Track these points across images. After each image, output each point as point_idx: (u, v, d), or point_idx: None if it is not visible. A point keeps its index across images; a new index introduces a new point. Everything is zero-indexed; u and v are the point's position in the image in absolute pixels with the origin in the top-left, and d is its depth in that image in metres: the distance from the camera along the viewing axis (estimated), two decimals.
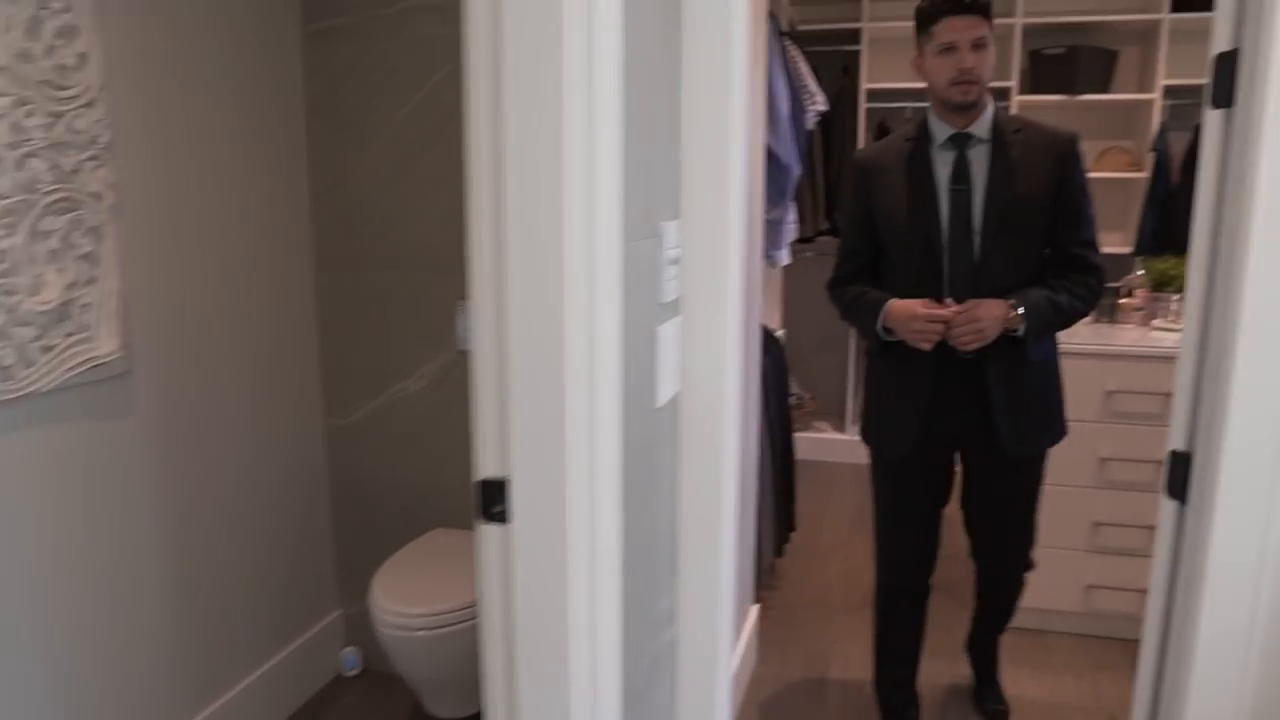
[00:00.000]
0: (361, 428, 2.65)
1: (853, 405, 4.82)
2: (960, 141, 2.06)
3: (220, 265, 2.26)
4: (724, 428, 1.53)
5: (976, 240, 2.03)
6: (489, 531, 1.14)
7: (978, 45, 1.99)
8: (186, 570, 2.19)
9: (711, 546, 1.58)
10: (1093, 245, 2.09)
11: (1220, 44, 1.45)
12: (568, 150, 0.99)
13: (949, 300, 2.00)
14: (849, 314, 2.21)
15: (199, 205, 2.18)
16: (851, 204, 2.20)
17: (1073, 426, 2.49)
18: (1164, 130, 4.19)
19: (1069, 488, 2.84)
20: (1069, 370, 2.29)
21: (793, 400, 4.68)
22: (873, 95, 4.53)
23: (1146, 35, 4.38)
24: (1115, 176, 4.41)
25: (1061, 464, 2.80)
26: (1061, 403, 2.20)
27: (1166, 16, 4.12)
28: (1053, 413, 2.18)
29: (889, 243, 2.12)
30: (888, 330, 2.07)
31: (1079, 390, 2.78)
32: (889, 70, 4.64)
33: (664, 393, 1.40)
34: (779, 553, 3.24)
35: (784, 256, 2.90)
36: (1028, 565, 2.35)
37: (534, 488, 1.09)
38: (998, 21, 4.17)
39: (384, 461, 2.64)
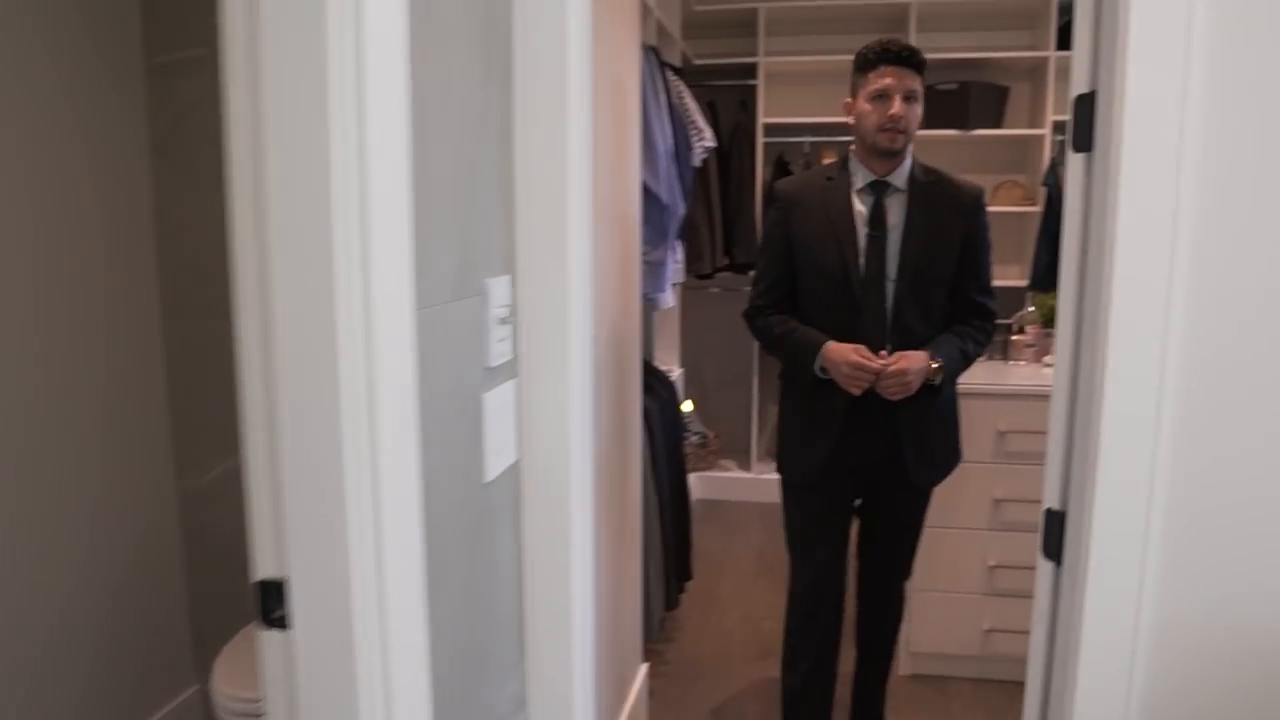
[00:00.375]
0: (217, 488, 2.45)
1: (757, 442, 4.75)
2: (879, 188, 2.14)
3: (56, 313, 2.06)
4: (571, 496, 1.40)
5: (890, 286, 2.12)
6: (269, 639, 0.99)
7: (909, 97, 2.07)
8: (19, 650, 1.97)
9: (562, 623, 1.45)
10: (990, 293, 2.24)
11: (1079, 86, 1.39)
12: (337, 212, 0.85)
13: (884, 351, 2.07)
14: (777, 346, 2.24)
15: (32, 253, 1.99)
16: (772, 233, 2.24)
17: (968, 468, 2.49)
18: (1054, 165, 4.24)
19: (965, 530, 2.78)
20: (963, 410, 2.33)
21: (695, 439, 4.59)
22: (770, 130, 4.50)
23: (1035, 72, 4.44)
24: (1010, 210, 4.44)
25: (957, 506, 2.74)
26: (958, 432, 2.31)
27: (1053, 54, 4.18)
28: (952, 443, 2.30)
29: (807, 274, 2.18)
30: (822, 369, 2.12)
31: (973, 430, 2.72)
32: (786, 104, 4.62)
33: (496, 464, 1.27)
34: (673, 604, 3.11)
35: (667, 299, 2.80)
36: (903, 597, 2.47)
37: (314, 589, 0.95)
38: None
39: (243, 525, 2.44)
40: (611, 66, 2.01)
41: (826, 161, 4.37)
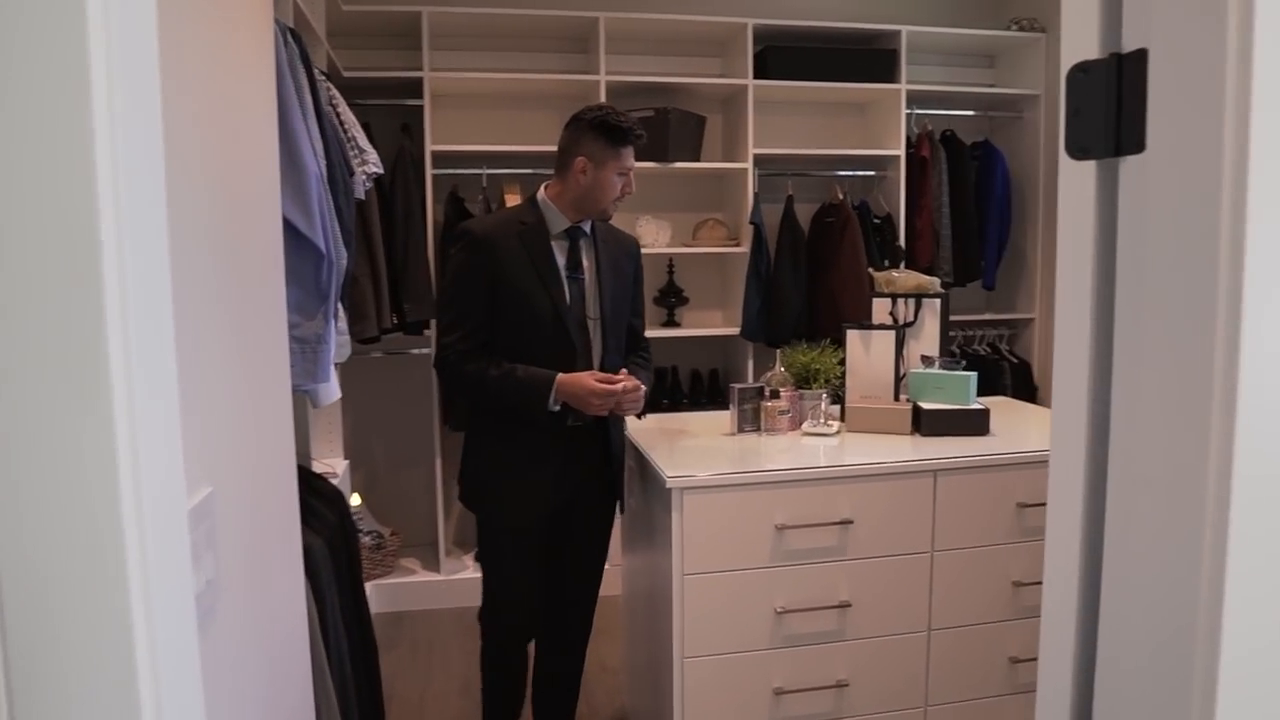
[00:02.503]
0: None
1: (446, 533, 3.92)
2: (574, 234, 2.28)
3: None
4: None
5: (592, 324, 2.28)
6: None
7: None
8: None
9: None
10: (644, 323, 2.53)
11: (1084, 47, 0.81)
12: None
13: (622, 372, 2.21)
14: (496, 389, 2.19)
15: None
16: (469, 276, 2.22)
17: (743, 575, 2.15)
18: (758, 202, 3.89)
19: (743, 655, 2.19)
20: (733, 507, 2.15)
21: (368, 540, 3.67)
22: (441, 159, 3.74)
23: (730, 102, 4.09)
24: (712, 251, 4.04)
25: (732, 622, 2.15)
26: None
27: (751, 83, 3.84)
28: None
29: (513, 317, 2.21)
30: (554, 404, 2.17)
31: (746, 530, 2.15)
32: (458, 129, 3.90)
33: None
34: None
35: (332, 390, 1.92)
36: (591, 619, 2.50)
37: None
38: (580, 77, 3.57)
39: None
40: (207, 30, 1.18)
41: (510, 200, 3.73)
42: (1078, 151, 0.84)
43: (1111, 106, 0.79)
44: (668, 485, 2.09)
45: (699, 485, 2.11)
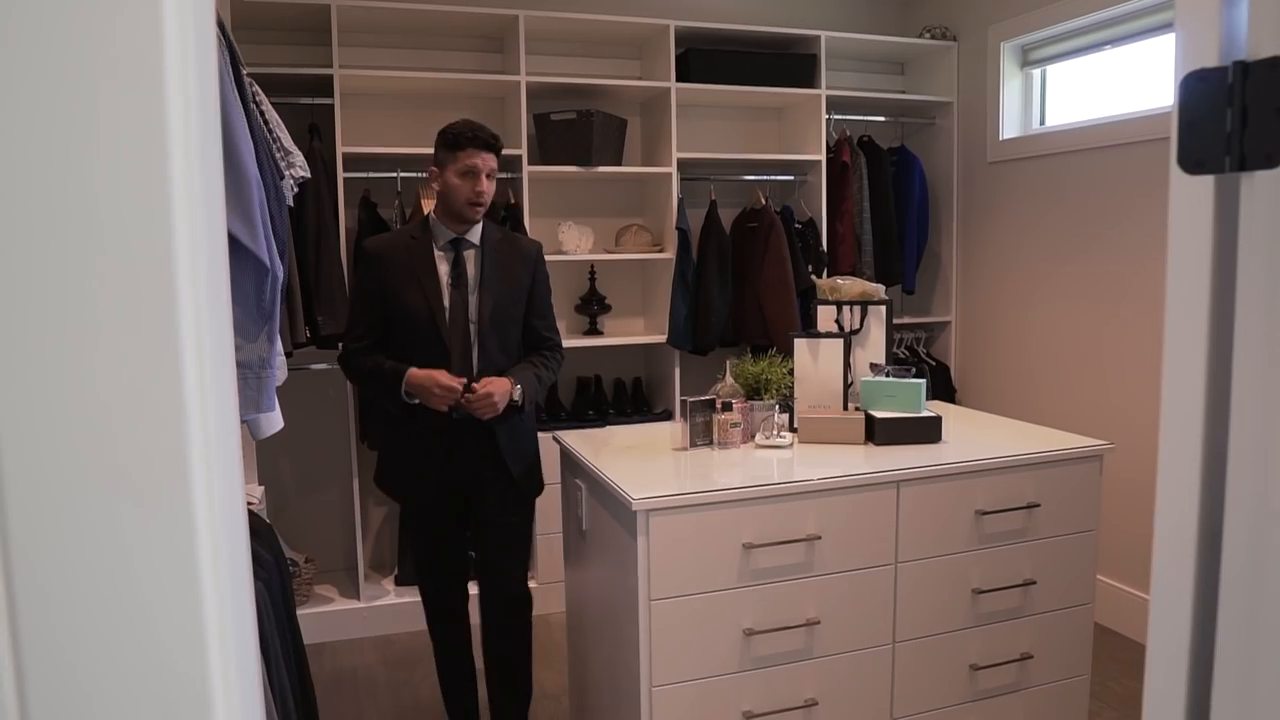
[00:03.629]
0: None
1: (365, 555, 3.71)
2: (458, 245, 2.49)
3: None
4: None
5: (473, 328, 2.48)
6: None
7: (490, 175, 2.44)
8: None
9: None
10: (554, 328, 2.67)
11: (1210, 52, 0.75)
12: None
13: (471, 382, 2.39)
14: (368, 380, 2.50)
15: None
16: (365, 286, 2.50)
17: (711, 598, 2.06)
18: (683, 207, 3.83)
19: (712, 679, 2.10)
20: (701, 527, 2.06)
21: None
22: (352, 162, 3.54)
23: (651, 105, 4.01)
24: (635, 258, 3.95)
25: (701, 646, 2.07)
26: (539, 461, 2.68)
27: (674, 85, 3.77)
28: (536, 462, 2.66)
29: (399, 322, 2.46)
30: (409, 395, 2.41)
31: (713, 550, 2.07)
32: (370, 130, 3.70)
33: None
34: None
35: (274, 420, 1.73)
36: (527, 595, 2.68)
37: None
38: (499, 77, 3.43)
39: None
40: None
41: (426, 204, 3.55)
42: (1192, 165, 0.78)
43: (1236, 118, 0.74)
44: (634, 508, 1.99)
45: (666, 506, 2.02)
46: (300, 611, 3.50)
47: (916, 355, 4.37)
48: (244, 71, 1.94)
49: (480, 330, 2.45)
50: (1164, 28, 3.31)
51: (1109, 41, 3.57)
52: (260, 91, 2.15)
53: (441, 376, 2.35)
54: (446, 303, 2.44)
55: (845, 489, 2.17)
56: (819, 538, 2.15)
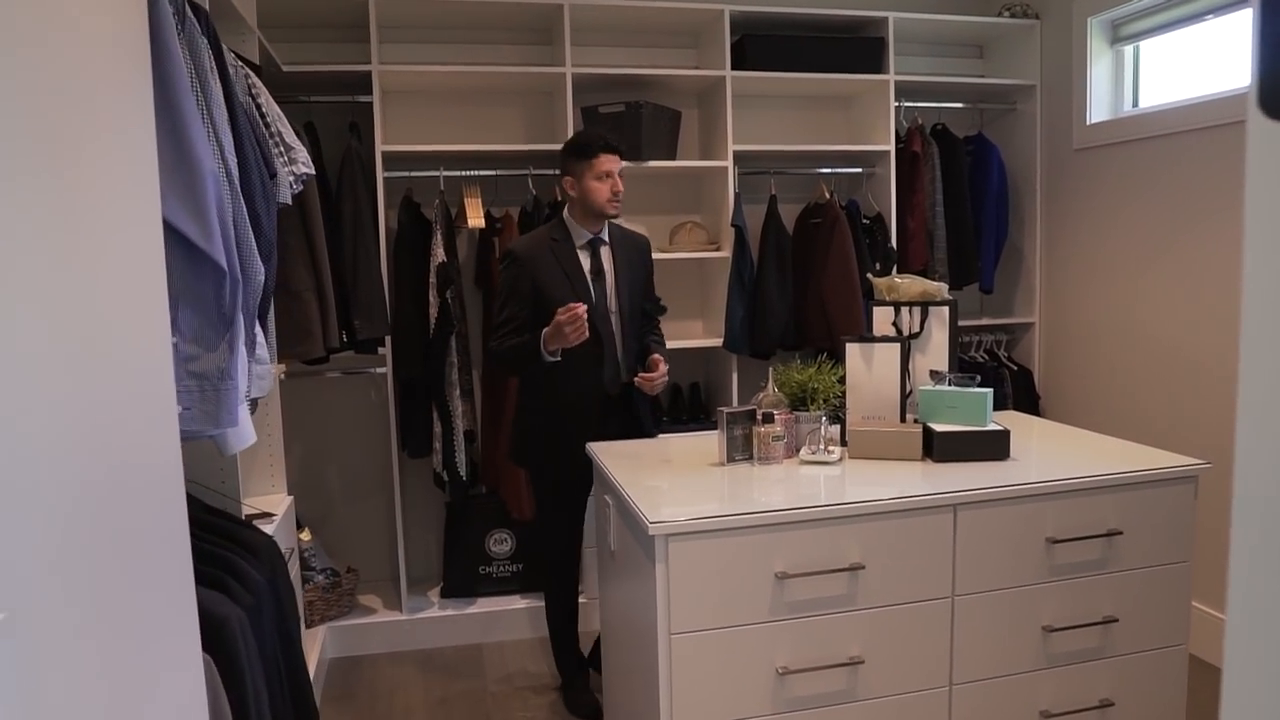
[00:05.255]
0: None
1: (407, 566, 3.60)
2: (594, 243, 2.80)
3: None
4: None
5: (614, 317, 2.80)
6: None
7: (621, 174, 2.75)
8: None
9: None
10: (659, 304, 3.06)
11: None
12: None
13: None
14: (511, 358, 2.72)
15: None
16: (518, 287, 2.71)
17: (739, 633, 1.88)
18: (739, 203, 3.61)
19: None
20: (727, 554, 1.87)
21: (322, 578, 3.35)
22: (392, 160, 3.43)
23: (706, 96, 3.80)
24: (690, 257, 3.75)
25: (728, 686, 1.86)
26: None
27: (729, 74, 3.56)
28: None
29: (550, 315, 2.57)
30: (550, 353, 2.62)
31: (741, 580, 1.86)
32: (412, 128, 3.59)
33: None
34: None
35: (244, 434, 1.58)
36: None
37: None
38: (544, 70, 3.25)
39: None
40: None
41: (471, 204, 3.43)
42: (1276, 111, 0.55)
43: None
44: (650, 532, 1.79)
45: (687, 531, 1.82)
46: (342, 623, 3.42)
47: (997, 359, 4.06)
48: (231, 63, 1.82)
49: (621, 318, 2.79)
50: None
51: (1210, 10, 3.22)
52: (259, 84, 2.03)
53: (561, 315, 2.51)
54: (593, 295, 2.74)
55: (893, 513, 1.93)
56: (862, 567, 1.92)
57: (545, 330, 2.58)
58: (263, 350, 1.71)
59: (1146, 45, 3.60)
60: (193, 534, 1.87)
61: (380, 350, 3.37)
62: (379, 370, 3.48)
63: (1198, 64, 3.37)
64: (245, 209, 1.63)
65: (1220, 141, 3.10)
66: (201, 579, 1.66)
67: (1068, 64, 3.77)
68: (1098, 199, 3.66)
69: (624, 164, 2.78)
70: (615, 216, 2.79)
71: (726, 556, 1.85)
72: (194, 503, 2.06)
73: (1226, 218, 3.09)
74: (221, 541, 1.87)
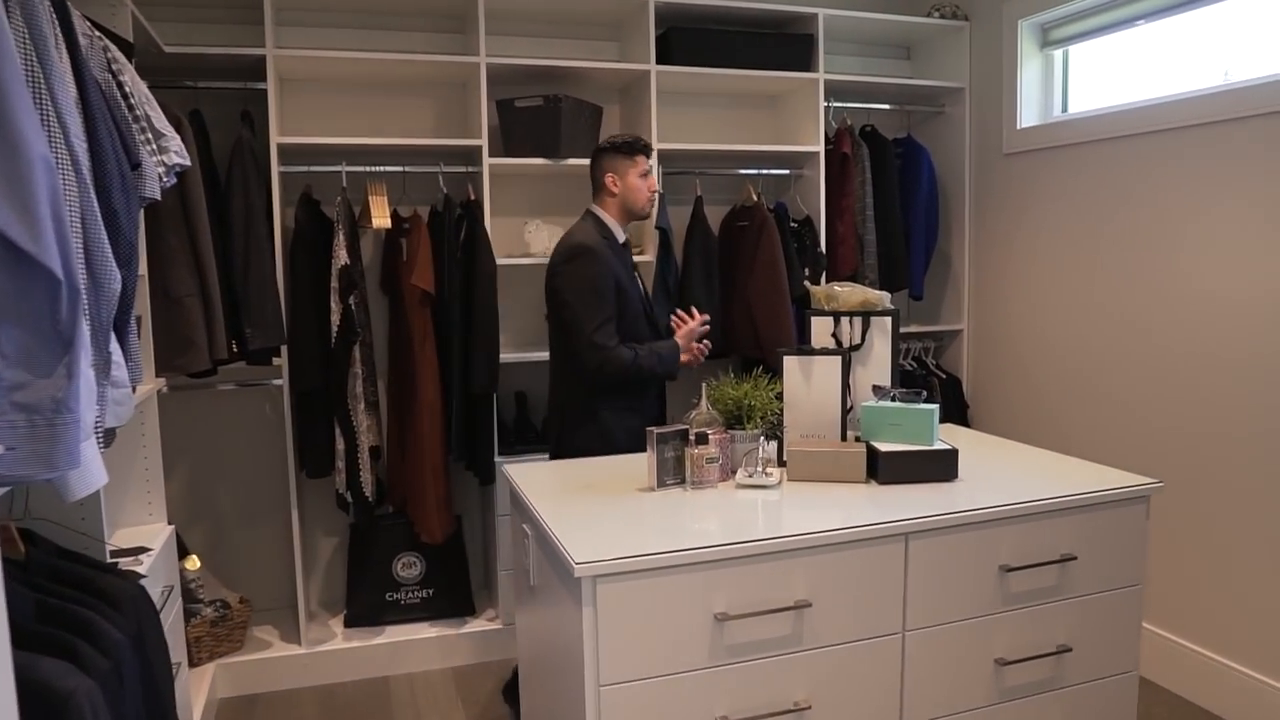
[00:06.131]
0: None
1: (306, 594, 3.31)
2: (628, 243, 2.81)
3: None
4: None
5: (657, 314, 2.86)
6: None
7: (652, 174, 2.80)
8: None
9: None
10: None
11: None
12: None
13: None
14: (637, 367, 2.60)
15: None
16: (603, 282, 2.60)
17: (676, 681, 1.69)
18: (663, 204, 3.42)
19: None
20: (662, 595, 1.67)
21: (210, 611, 3.06)
22: (289, 154, 3.15)
23: (629, 91, 3.62)
24: None
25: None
26: None
27: (653, 68, 3.37)
28: None
29: (625, 316, 2.65)
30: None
31: (678, 623, 1.67)
32: (311, 119, 3.32)
33: None
34: None
35: (90, 476, 1.29)
36: None
37: None
38: (456, 59, 3.00)
39: None
40: None
41: (376, 202, 3.17)
42: None
43: None
44: (576, 574, 1.59)
45: (617, 571, 1.62)
46: (234, 659, 3.13)
47: (925, 367, 3.97)
48: (85, 33, 1.56)
49: (656, 312, 2.86)
50: None
51: (1141, 16, 3.17)
52: (122, 59, 1.76)
53: (684, 335, 2.71)
54: (649, 294, 2.84)
55: (842, 544, 1.77)
56: (809, 604, 1.75)
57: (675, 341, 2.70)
58: (121, 372, 1.45)
59: (1076, 50, 3.54)
60: (39, 587, 1.60)
61: (276, 361, 3.09)
62: (276, 382, 3.19)
63: (1129, 69, 3.32)
64: (97, 204, 1.38)
65: (1152, 148, 3.04)
66: (44, 645, 1.40)
67: (997, 67, 3.70)
68: (1027, 204, 3.60)
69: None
70: (647, 217, 2.83)
71: (661, 598, 1.66)
72: (43, 545, 1.78)
73: (1159, 225, 3.03)
74: (75, 594, 1.60)
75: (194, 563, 3.10)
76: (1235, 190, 2.77)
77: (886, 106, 3.94)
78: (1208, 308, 2.88)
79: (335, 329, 3.05)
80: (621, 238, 2.74)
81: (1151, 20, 3.14)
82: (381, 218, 3.16)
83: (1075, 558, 1.97)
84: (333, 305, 3.05)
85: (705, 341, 2.76)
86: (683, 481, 2.08)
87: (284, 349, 3.05)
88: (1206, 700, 2.91)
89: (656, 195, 2.79)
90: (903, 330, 3.93)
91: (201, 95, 3.07)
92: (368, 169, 3.24)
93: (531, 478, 2.20)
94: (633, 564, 1.63)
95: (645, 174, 2.72)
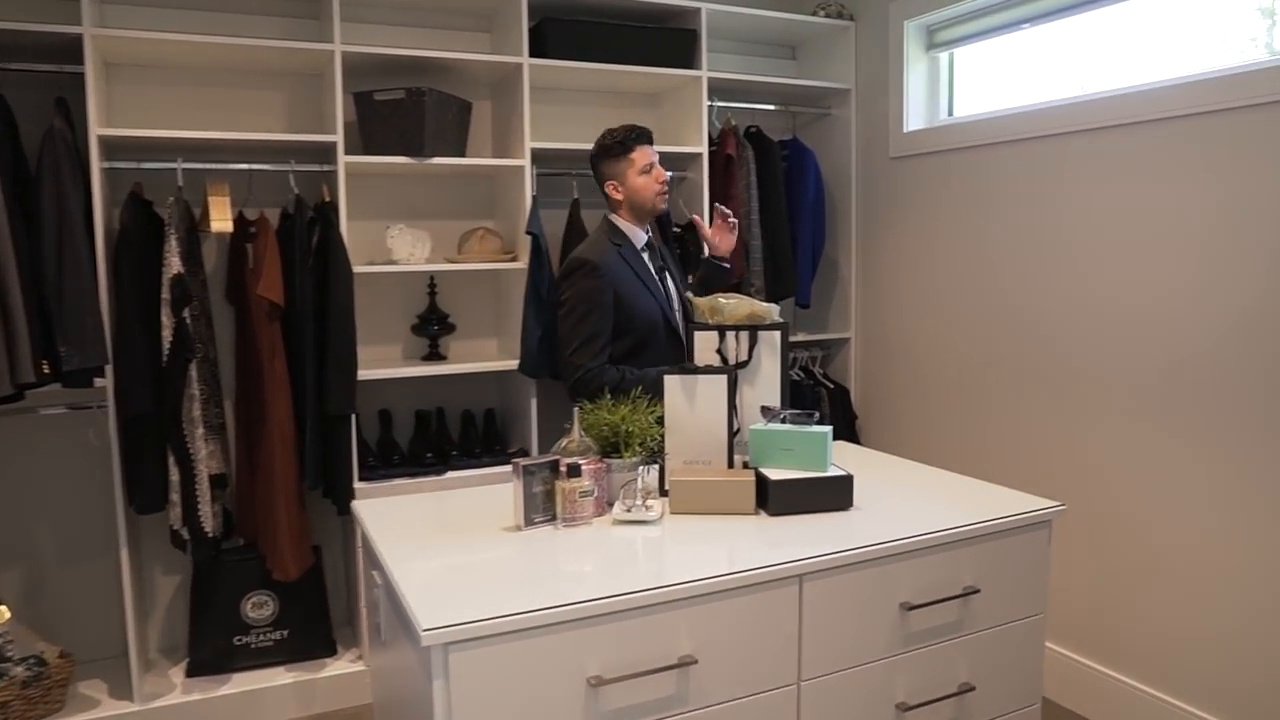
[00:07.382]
0: None
1: (141, 640, 2.95)
2: (650, 244, 2.71)
3: None
4: None
5: (676, 314, 2.69)
6: None
7: (658, 163, 2.66)
8: None
9: None
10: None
11: None
12: None
13: None
14: (625, 391, 2.16)
15: None
16: (604, 300, 2.52)
17: None
18: (536, 207, 3.19)
19: None
20: (527, 661, 1.44)
21: (21, 671, 2.69)
22: (114, 148, 2.79)
23: (502, 86, 3.37)
24: (483, 268, 3.30)
25: None
26: None
27: (526, 61, 3.14)
28: None
29: (636, 331, 2.57)
30: None
31: (545, 692, 1.45)
32: (142, 110, 2.96)
33: None
34: None
35: None
36: None
37: None
38: (307, 46, 2.71)
39: None
40: None
41: (217, 202, 2.84)
42: None
43: None
44: (424, 642, 1.35)
45: (472, 637, 1.39)
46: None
47: (813, 377, 3.85)
48: None
49: (682, 318, 2.67)
50: (1091, 1, 2.86)
51: (1027, 19, 3.11)
52: None
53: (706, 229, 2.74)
54: (675, 303, 2.68)
55: (731, 590, 1.58)
56: (694, 661, 1.55)
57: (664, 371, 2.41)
58: None
59: (962, 53, 3.48)
60: None
61: (100, 382, 2.72)
62: (101, 405, 2.82)
63: (1014, 73, 3.26)
64: None
65: (1040, 152, 2.98)
66: None
67: (884, 69, 3.60)
68: (914, 209, 3.51)
69: (655, 151, 2.67)
70: (665, 210, 2.73)
71: (525, 664, 1.43)
72: None
73: (1048, 231, 2.97)
74: None
75: (3, 615, 2.71)
76: (1125, 196, 2.72)
77: (771, 107, 3.81)
78: (1099, 314, 2.82)
79: (167, 346, 2.70)
80: (641, 240, 2.66)
81: (1037, 24, 3.09)
82: (222, 220, 2.83)
83: (978, 590, 1.83)
84: (164, 319, 2.70)
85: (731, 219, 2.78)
86: (553, 518, 1.85)
87: (108, 369, 2.69)
88: (1106, 718, 2.86)
89: (667, 185, 2.67)
90: (790, 340, 3.81)
91: (7, 77, 2.68)
92: (208, 166, 2.90)
93: (385, 517, 1.94)
94: (490, 626, 1.39)
95: (647, 168, 2.61)
